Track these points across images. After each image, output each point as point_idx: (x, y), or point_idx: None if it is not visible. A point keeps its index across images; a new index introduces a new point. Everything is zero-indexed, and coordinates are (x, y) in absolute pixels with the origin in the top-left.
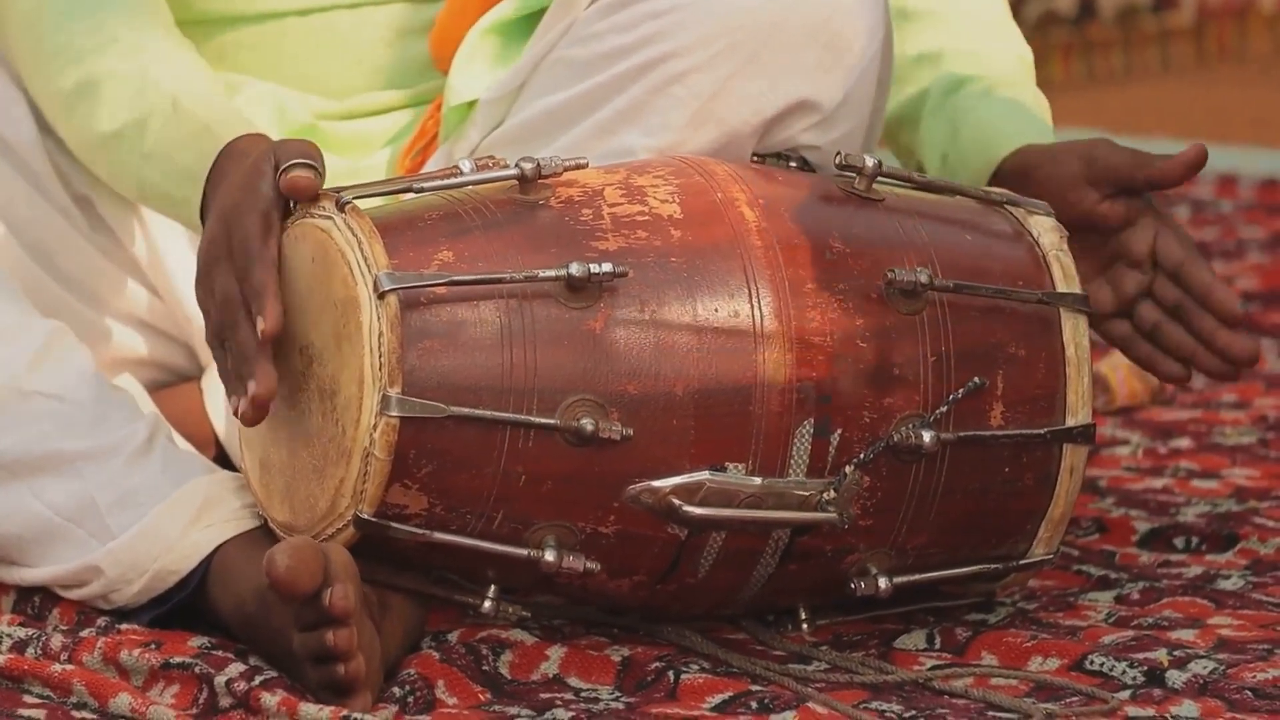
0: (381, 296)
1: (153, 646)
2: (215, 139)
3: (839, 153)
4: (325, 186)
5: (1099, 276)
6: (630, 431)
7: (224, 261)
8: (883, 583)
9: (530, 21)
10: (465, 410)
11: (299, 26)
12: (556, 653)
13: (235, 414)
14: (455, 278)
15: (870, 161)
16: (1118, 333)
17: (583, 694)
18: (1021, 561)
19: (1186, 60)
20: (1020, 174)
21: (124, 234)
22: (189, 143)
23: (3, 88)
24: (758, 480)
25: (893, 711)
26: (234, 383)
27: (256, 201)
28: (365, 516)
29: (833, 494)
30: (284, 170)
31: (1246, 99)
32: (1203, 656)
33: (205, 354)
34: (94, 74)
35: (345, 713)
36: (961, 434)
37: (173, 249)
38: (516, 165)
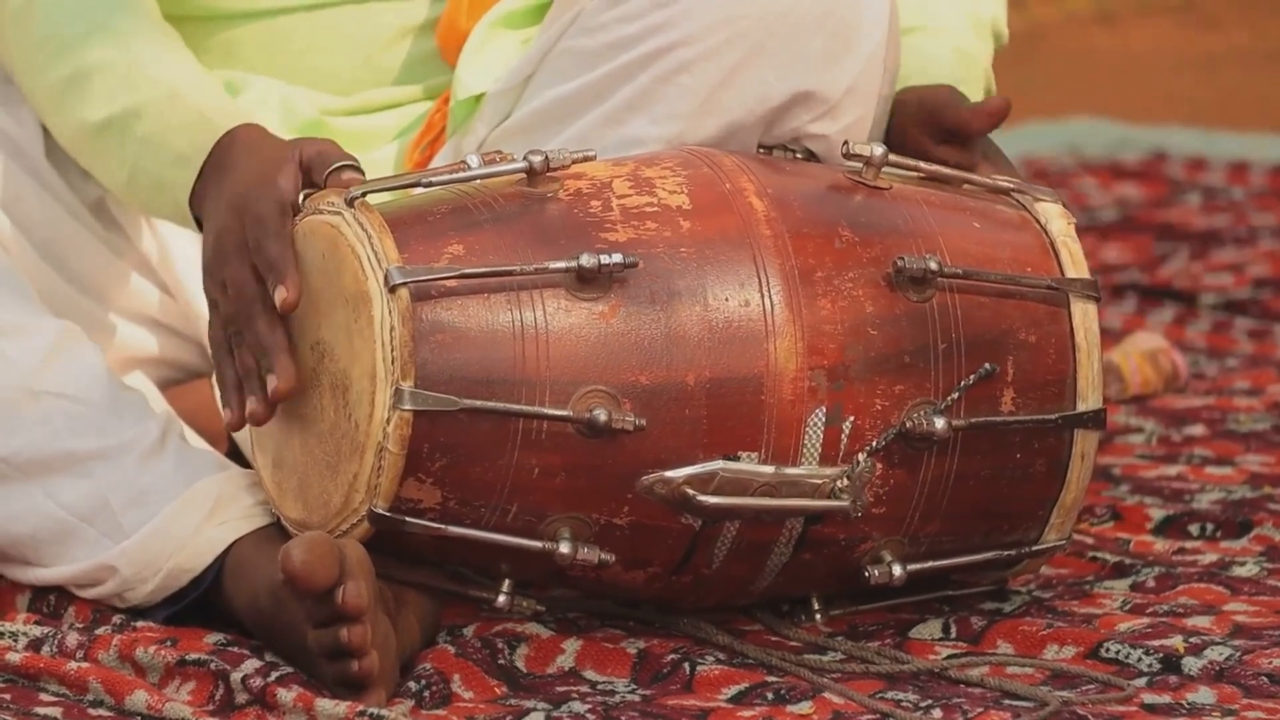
0: (393, 290)
1: (168, 643)
2: (212, 126)
3: (846, 142)
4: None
5: None
6: (643, 421)
7: (238, 251)
8: (896, 570)
9: (537, 14)
10: (478, 403)
11: (306, 23)
12: (572, 646)
13: (237, 422)
14: (466, 271)
15: (877, 150)
16: None
17: (599, 686)
18: (1034, 548)
19: None
20: (892, 117)
21: (134, 232)
22: (184, 128)
23: (12, 91)
24: (771, 469)
25: (909, 701)
26: (249, 380)
27: (274, 192)
28: (379, 511)
29: (846, 481)
30: (333, 172)
31: (1257, 85)
32: (1219, 643)
33: None
34: (84, 65)
35: (361, 708)
36: (973, 420)
37: (182, 247)
38: (524, 158)
